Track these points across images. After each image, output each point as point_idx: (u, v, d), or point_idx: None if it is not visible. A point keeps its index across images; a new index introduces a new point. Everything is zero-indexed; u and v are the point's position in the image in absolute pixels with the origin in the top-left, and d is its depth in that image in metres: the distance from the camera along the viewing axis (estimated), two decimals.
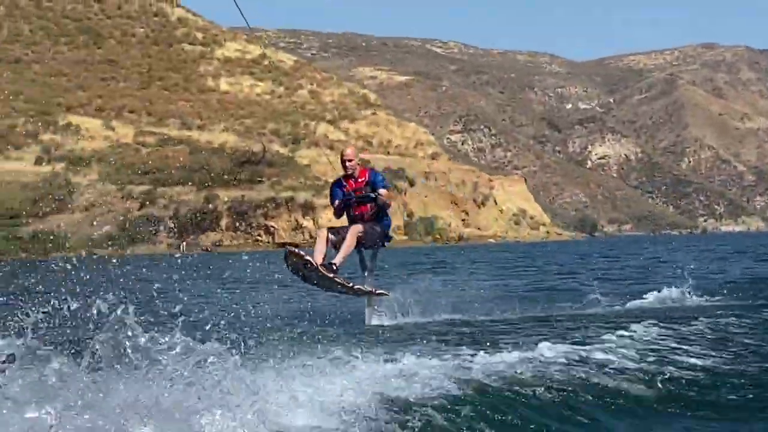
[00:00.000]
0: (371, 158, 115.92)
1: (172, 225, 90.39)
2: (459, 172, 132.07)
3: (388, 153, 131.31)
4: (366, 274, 13.87)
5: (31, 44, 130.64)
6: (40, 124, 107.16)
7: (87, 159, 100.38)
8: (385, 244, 13.87)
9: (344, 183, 13.65)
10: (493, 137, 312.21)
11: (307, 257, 13.04)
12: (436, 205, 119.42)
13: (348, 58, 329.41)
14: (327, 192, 16.17)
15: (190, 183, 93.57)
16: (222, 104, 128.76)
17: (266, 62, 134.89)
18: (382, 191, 13.55)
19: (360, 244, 13.55)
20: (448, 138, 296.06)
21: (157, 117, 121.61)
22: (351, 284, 13.41)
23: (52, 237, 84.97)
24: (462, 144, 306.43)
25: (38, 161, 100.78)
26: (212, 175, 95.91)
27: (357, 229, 13.31)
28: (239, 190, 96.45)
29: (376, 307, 13.74)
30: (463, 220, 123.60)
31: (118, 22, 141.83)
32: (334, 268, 13.16)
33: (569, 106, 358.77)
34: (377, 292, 13.80)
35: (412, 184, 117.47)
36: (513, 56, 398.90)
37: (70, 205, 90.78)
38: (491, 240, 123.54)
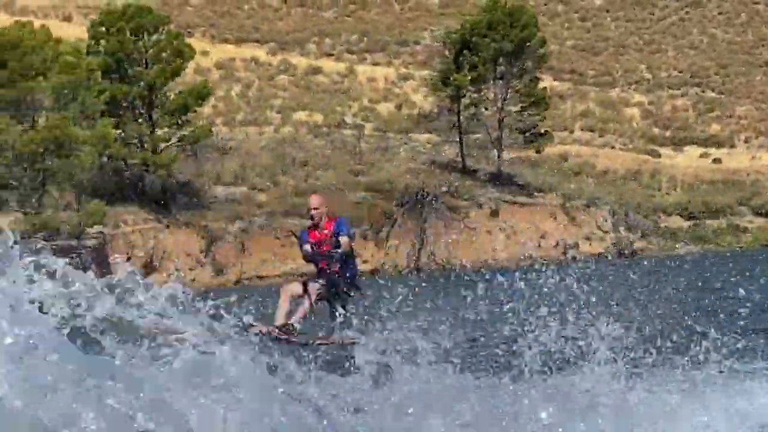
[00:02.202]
0: None
1: None
2: None
3: None
4: (337, 324, 13.22)
5: None
6: None
7: None
8: (352, 294, 13.51)
9: (309, 235, 13.65)
10: None
11: (260, 329, 11.97)
12: None
13: None
14: None
15: None
16: None
17: None
18: (342, 239, 13.37)
19: (325, 298, 13.42)
20: None
21: None
22: (311, 341, 12.96)
23: None
24: None
25: None
26: None
27: (314, 288, 13.24)
28: None
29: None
30: None
31: None
32: (292, 328, 13.05)
33: None
34: (345, 341, 12.63)
35: None
36: None
37: None
38: None
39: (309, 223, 14.07)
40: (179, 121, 61.57)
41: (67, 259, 5.80)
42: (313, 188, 67.08)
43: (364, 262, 63.63)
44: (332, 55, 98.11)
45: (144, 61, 61.69)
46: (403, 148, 78.10)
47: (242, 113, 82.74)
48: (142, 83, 60.82)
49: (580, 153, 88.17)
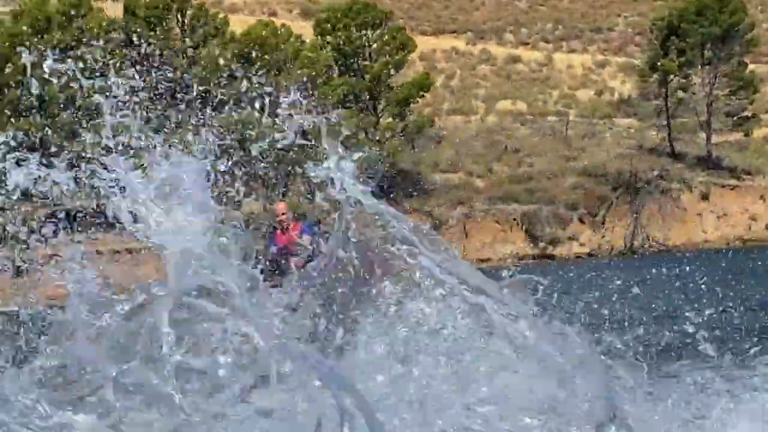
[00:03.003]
0: None
1: None
2: None
3: None
4: None
5: None
6: None
7: None
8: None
9: (276, 237, 14.60)
10: None
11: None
12: None
13: None
14: None
15: None
16: None
17: None
18: (305, 238, 14.31)
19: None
20: None
21: None
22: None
23: None
24: None
25: None
26: None
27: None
28: None
29: None
30: None
31: None
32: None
33: None
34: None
35: None
36: None
37: None
38: None
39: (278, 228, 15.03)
40: (402, 112, 64.67)
41: None
42: (528, 175, 69.45)
43: (581, 245, 65.82)
44: (528, 44, 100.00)
45: (368, 55, 65.09)
46: (609, 134, 79.49)
47: (447, 103, 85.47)
48: (367, 76, 64.17)
49: None
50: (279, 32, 57.35)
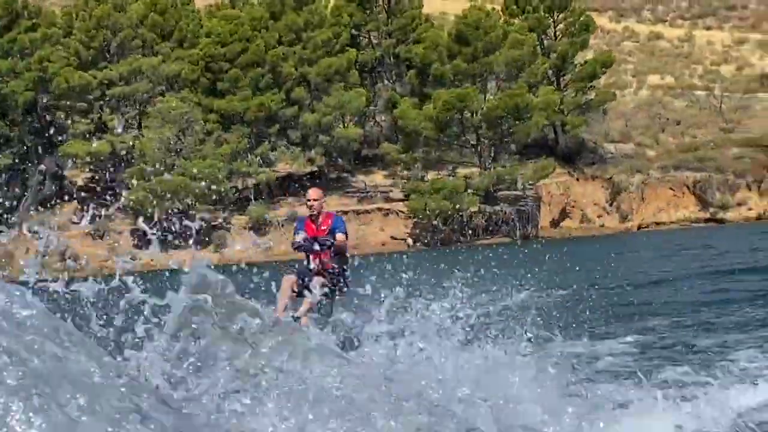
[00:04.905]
0: None
1: None
2: None
3: None
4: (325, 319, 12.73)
5: None
6: None
7: None
8: (337, 297, 13.20)
9: (306, 226, 13.46)
10: None
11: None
12: None
13: None
14: None
15: None
16: None
17: None
18: (338, 236, 13.18)
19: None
20: None
21: None
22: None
23: None
24: None
25: None
26: None
27: (320, 281, 12.85)
28: None
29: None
30: None
31: None
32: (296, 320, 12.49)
33: None
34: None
35: None
36: None
37: None
38: None
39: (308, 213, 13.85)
40: (585, 87, 71.04)
41: None
42: (694, 145, 75.53)
43: (749, 209, 71.84)
44: (665, 21, 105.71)
45: (554, 35, 71.63)
46: (760, 106, 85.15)
47: (602, 78, 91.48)
48: (554, 54, 70.64)
49: None
50: (489, 16, 63.93)
